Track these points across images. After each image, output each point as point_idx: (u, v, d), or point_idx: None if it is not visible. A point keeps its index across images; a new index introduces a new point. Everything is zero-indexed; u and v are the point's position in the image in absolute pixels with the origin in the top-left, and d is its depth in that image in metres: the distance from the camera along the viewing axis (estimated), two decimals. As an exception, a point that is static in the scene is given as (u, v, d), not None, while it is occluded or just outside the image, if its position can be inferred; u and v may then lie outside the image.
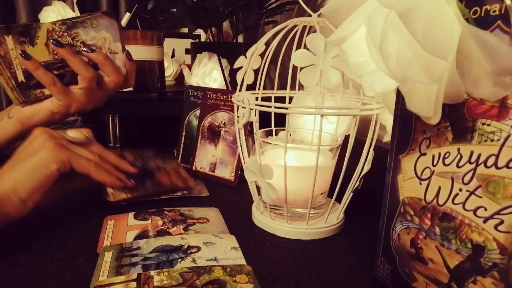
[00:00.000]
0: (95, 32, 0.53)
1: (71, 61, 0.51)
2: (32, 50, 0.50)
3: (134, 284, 0.34)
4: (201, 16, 0.77)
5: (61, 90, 0.52)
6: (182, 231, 0.45)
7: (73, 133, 0.47)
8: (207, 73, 0.79)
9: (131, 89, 0.68)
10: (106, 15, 0.55)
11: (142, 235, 0.44)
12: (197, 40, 0.97)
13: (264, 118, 0.48)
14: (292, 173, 0.44)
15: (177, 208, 0.52)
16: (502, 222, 0.24)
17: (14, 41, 0.49)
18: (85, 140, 0.48)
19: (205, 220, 0.48)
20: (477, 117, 0.26)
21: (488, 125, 0.25)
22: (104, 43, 0.54)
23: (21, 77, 0.51)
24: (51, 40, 0.50)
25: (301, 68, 0.39)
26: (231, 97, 0.58)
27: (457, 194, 0.27)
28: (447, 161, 0.28)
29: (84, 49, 0.52)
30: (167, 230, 0.45)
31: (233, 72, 0.70)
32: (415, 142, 0.31)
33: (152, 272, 0.35)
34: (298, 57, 0.39)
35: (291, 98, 0.54)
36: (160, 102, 0.86)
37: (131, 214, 0.49)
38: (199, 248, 0.41)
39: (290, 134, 0.55)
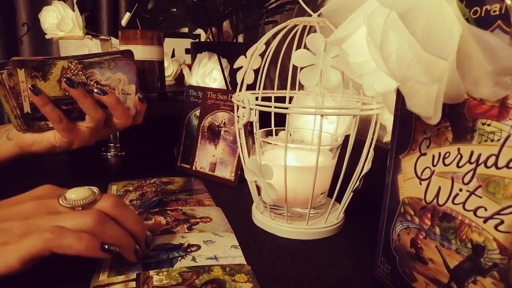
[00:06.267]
0: (111, 73, 0.52)
1: (81, 101, 0.50)
2: (43, 84, 0.49)
3: (133, 283, 0.34)
4: (201, 16, 0.77)
5: (66, 128, 0.51)
6: (186, 231, 0.45)
7: (76, 194, 0.35)
8: (207, 73, 0.79)
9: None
10: (125, 58, 0.54)
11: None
12: (197, 40, 0.97)
13: (264, 118, 0.48)
14: (292, 173, 0.44)
15: (179, 207, 0.52)
16: (502, 222, 0.24)
17: (26, 75, 0.48)
18: (92, 199, 0.35)
19: (208, 219, 0.48)
20: (477, 117, 0.26)
21: (488, 125, 0.25)
22: (119, 84, 0.53)
23: (27, 109, 0.50)
24: (64, 79, 0.49)
25: (301, 68, 0.39)
26: (231, 97, 0.58)
27: (457, 194, 0.27)
28: (447, 161, 0.28)
29: (96, 90, 0.51)
30: (172, 229, 0.45)
31: (233, 72, 0.70)
32: (415, 142, 0.31)
33: (152, 272, 0.35)
34: (298, 57, 0.39)
35: (291, 98, 0.54)
36: (160, 102, 0.86)
37: None
38: (199, 247, 0.41)
39: (290, 134, 0.55)
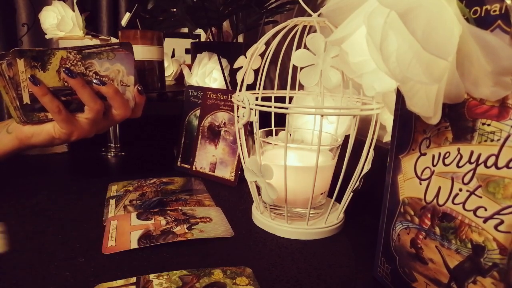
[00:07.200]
0: (110, 64, 0.53)
1: (80, 92, 0.50)
2: (42, 75, 0.49)
3: (133, 287, 0.34)
4: (201, 16, 0.77)
5: (65, 119, 0.51)
6: (186, 231, 0.45)
7: None
8: (207, 73, 0.79)
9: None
10: (124, 49, 0.54)
11: (146, 235, 0.44)
12: (197, 40, 0.97)
13: (264, 118, 0.48)
14: (292, 173, 0.44)
15: (179, 207, 0.52)
16: (502, 222, 0.24)
17: (25, 65, 0.48)
18: None
19: (208, 219, 0.48)
20: (477, 117, 0.26)
21: (488, 125, 0.25)
22: (117, 75, 0.53)
23: (26, 99, 0.50)
24: (63, 69, 0.49)
25: (301, 68, 0.39)
26: (231, 97, 0.58)
27: (457, 194, 0.27)
28: (447, 161, 0.28)
29: (95, 81, 0.51)
30: (171, 229, 0.45)
31: (233, 72, 0.70)
32: (415, 142, 0.31)
33: (152, 276, 0.35)
34: (298, 57, 0.39)
35: (291, 98, 0.54)
36: (160, 102, 0.86)
37: (133, 214, 0.49)
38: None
39: (290, 134, 0.55)
